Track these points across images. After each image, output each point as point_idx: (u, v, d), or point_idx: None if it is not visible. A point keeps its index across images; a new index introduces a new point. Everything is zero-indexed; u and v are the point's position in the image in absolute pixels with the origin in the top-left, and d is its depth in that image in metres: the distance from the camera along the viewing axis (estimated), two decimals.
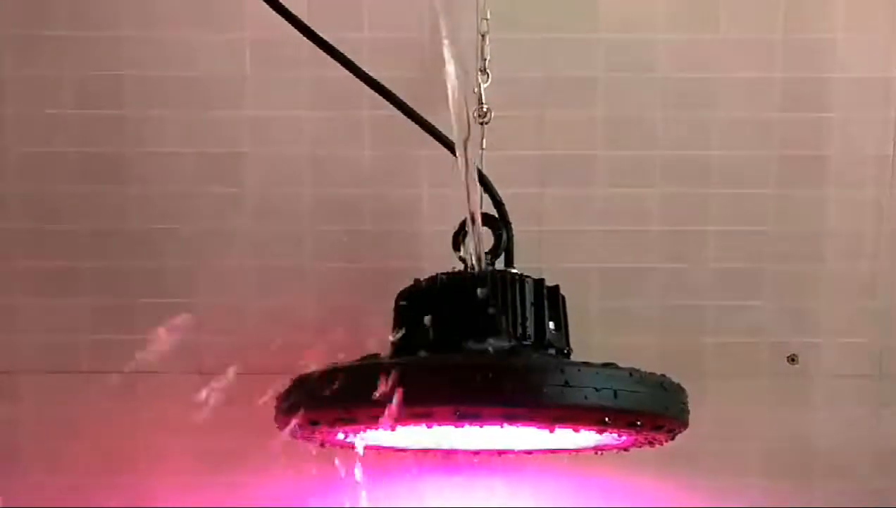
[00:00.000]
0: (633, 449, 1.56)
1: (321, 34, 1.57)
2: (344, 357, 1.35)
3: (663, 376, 1.31)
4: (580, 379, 1.17)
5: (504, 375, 1.17)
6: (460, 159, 1.32)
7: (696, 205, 1.85)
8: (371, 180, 1.81)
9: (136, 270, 1.83)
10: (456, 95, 1.29)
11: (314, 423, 1.26)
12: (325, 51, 1.55)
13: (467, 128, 1.32)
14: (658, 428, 1.31)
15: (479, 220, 1.39)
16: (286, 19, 1.53)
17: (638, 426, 1.26)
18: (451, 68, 1.28)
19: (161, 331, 1.81)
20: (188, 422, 1.81)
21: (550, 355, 1.37)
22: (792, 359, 1.84)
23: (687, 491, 1.84)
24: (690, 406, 1.49)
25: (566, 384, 1.16)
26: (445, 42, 1.29)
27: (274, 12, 1.53)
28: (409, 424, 1.21)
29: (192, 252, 1.83)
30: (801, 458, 1.85)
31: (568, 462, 1.68)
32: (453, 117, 1.33)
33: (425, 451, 1.62)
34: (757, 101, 1.82)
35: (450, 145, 1.59)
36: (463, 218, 1.55)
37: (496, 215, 1.55)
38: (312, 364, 1.34)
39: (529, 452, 1.63)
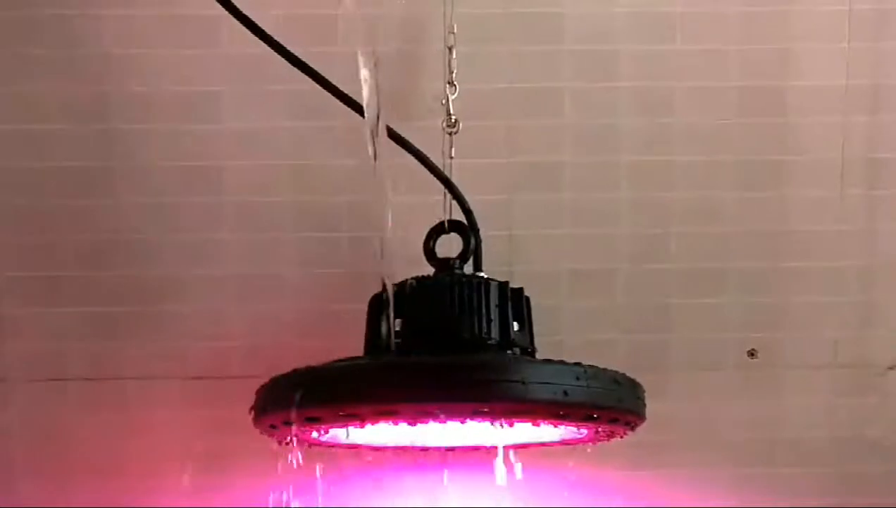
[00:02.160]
0: (599, 443, 1.63)
1: (294, 48, 1.64)
2: (322, 360, 1.42)
3: (616, 372, 1.38)
4: (535, 376, 1.25)
5: (463, 374, 1.24)
6: (370, 142, 1.38)
7: (660, 208, 1.92)
8: (347, 189, 1.88)
9: (121, 279, 1.89)
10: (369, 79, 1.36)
11: (286, 423, 1.33)
12: (296, 66, 1.62)
13: (377, 107, 1.38)
14: (614, 421, 1.38)
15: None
16: (258, 36, 1.60)
17: (594, 418, 1.33)
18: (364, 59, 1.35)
19: (147, 338, 1.88)
20: (176, 427, 1.89)
21: (513, 354, 1.44)
22: (751, 353, 1.92)
23: (655, 483, 1.91)
24: (657, 400, 1.56)
25: (522, 381, 1.23)
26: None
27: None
28: (375, 422, 1.29)
29: (176, 262, 1.89)
30: (765, 447, 1.93)
31: (536, 457, 1.75)
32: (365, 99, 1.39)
33: (400, 448, 1.68)
34: (715, 108, 1.90)
35: (420, 156, 1.67)
36: (434, 224, 1.63)
37: (465, 222, 1.62)
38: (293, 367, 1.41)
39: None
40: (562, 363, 1.32)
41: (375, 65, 1.37)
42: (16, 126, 1.87)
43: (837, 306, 1.92)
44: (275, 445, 1.53)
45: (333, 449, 1.63)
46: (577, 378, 1.28)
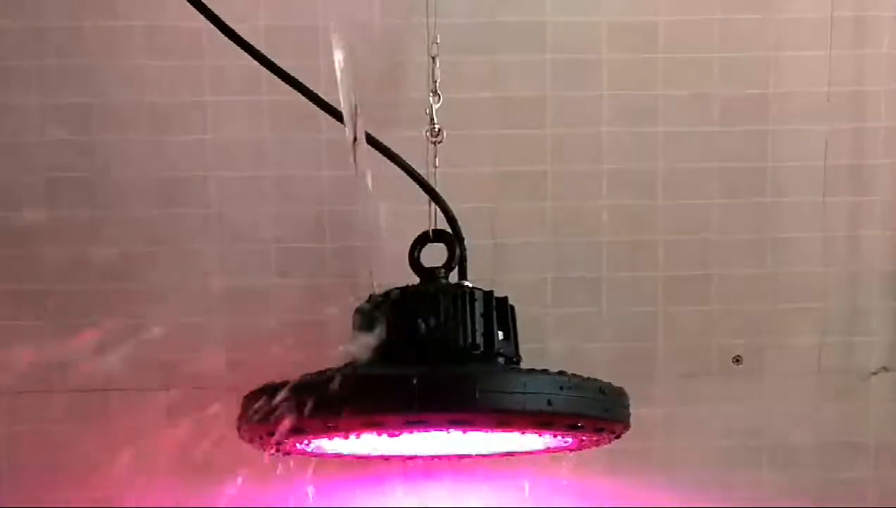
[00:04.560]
0: (585, 450, 1.64)
1: (277, 60, 1.65)
2: (306, 371, 1.42)
3: (601, 381, 1.38)
4: (519, 386, 1.25)
5: (447, 384, 1.24)
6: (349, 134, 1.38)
7: (644, 216, 1.93)
8: (330, 199, 1.88)
9: (104, 290, 1.89)
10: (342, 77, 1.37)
11: (270, 434, 1.33)
12: (279, 77, 1.62)
13: (354, 106, 1.39)
14: (599, 430, 1.38)
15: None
16: (242, 48, 1.61)
17: (579, 427, 1.33)
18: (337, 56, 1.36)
19: (130, 350, 1.88)
20: (158, 436, 1.88)
21: (499, 363, 1.44)
22: (737, 360, 1.93)
23: (641, 488, 1.91)
24: (643, 406, 1.57)
25: (506, 390, 1.23)
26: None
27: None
28: (361, 433, 1.29)
29: (160, 273, 1.89)
30: (750, 452, 1.93)
31: (522, 463, 1.76)
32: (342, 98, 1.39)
33: (386, 458, 1.68)
34: (699, 116, 1.91)
35: (404, 165, 1.67)
36: (418, 233, 1.63)
37: (449, 231, 1.62)
38: (277, 379, 1.41)
39: (486, 456, 1.70)
40: (546, 372, 1.32)
41: (351, 70, 1.37)
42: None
43: (821, 313, 1.93)
44: (261, 455, 1.53)
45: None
46: (562, 388, 1.28)
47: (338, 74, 1.43)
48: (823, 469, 1.93)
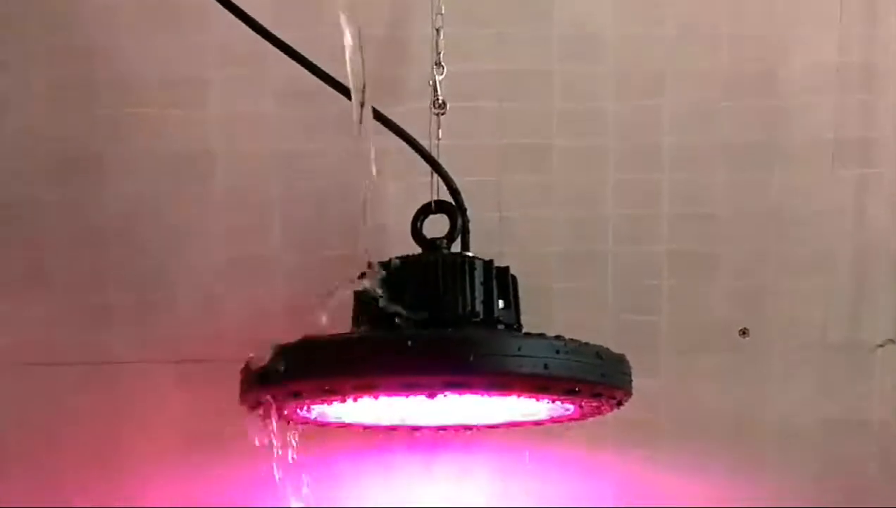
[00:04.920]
0: (591, 423, 1.64)
1: (285, 33, 1.66)
2: None
3: (600, 346, 1.38)
4: (515, 349, 1.26)
5: (442, 346, 1.25)
6: (355, 111, 1.39)
7: (650, 190, 1.93)
8: (335, 173, 1.89)
9: (112, 265, 1.90)
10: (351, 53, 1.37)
11: (271, 397, 1.34)
12: (283, 51, 1.63)
13: (362, 78, 1.39)
14: (597, 395, 1.39)
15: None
16: (245, 22, 1.62)
17: (576, 392, 1.33)
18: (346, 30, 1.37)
19: (139, 323, 1.90)
20: (167, 410, 1.90)
21: (498, 330, 1.45)
22: (743, 332, 1.93)
23: (644, 462, 1.91)
24: (647, 380, 1.57)
25: (501, 353, 1.24)
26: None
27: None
28: (357, 396, 1.30)
29: (167, 247, 1.90)
30: (754, 426, 1.93)
31: (529, 436, 1.76)
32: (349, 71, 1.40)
33: (391, 428, 1.69)
34: (705, 89, 1.90)
35: (407, 137, 1.68)
36: (422, 204, 1.64)
37: (452, 202, 1.63)
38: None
39: (492, 426, 1.71)
40: (542, 336, 1.33)
41: (360, 42, 1.38)
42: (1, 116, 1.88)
43: (827, 286, 1.92)
44: (268, 426, 1.54)
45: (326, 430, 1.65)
46: (558, 352, 1.28)
47: (347, 51, 1.43)
48: (828, 443, 1.92)
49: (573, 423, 1.63)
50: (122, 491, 1.89)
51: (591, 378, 1.33)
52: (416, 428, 1.71)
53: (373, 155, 1.44)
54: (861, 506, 1.90)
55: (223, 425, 1.83)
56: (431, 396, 1.31)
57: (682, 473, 1.91)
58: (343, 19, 1.41)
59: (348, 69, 1.43)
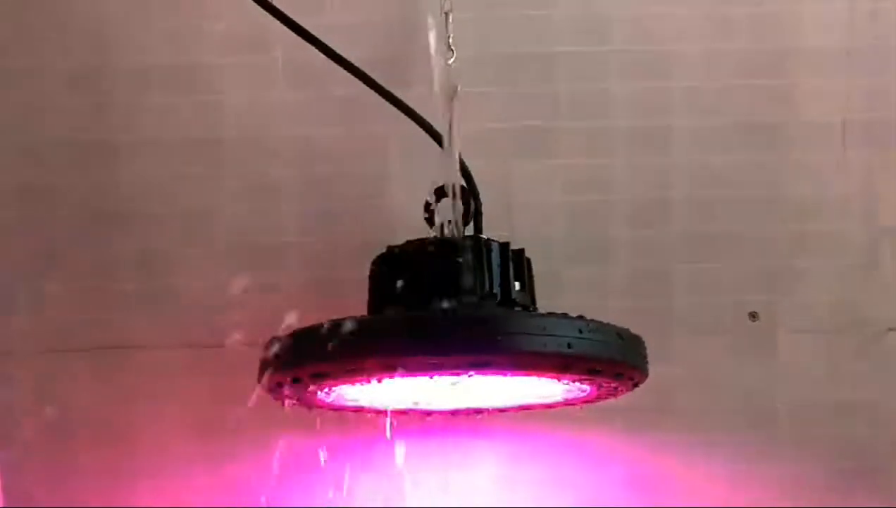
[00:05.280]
0: (602, 405, 1.64)
1: (295, 18, 1.65)
2: None
3: (619, 327, 1.38)
4: (538, 329, 1.25)
5: (465, 325, 1.25)
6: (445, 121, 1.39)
7: (659, 172, 1.93)
8: (346, 157, 1.88)
9: (124, 250, 1.90)
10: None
11: (296, 381, 1.33)
12: (298, 34, 1.63)
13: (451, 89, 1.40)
14: (618, 376, 1.39)
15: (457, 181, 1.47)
16: (260, 5, 1.61)
17: (598, 371, 1.33)
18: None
19: (150, 308, 1.89)
20: (179, 395, 1.89)
21: (518, 311, 1.45)
22: (753, 315, 1.93)
23: (655, 446, 1.91)
24: (658, 363, 1.57)
25: (526, 332, 1.24)
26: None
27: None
28: (382, 377, 1.29)
29: (178, 232, 1.90)
30: (765, 409, 1.93)
31: (538, 420, 1.76)
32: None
33: (404, 411, 1.69)
34: (715, 70, 1.90)
35: (420, 121, 1.68)
36: (432, 187, 1.63)
37: (464, 186, 1.63)
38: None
39: (503, 410, 1.71)
40: (565, 316, 1.32)
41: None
42: (14, 100, 1.87)
43: (838, 269, 1.92)
44: (280, 411, 1.54)
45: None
46: (581, 332, 1.28)
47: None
48: (838, 425, 1.92)
49: (585, 406, 1.63)
50: (135, 476, 1.88)
51: (612, 358, 1.33)
52: (428, 413, 1.71)
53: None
54: (873, 488, 1.90)
55: (235, 410, 1.83)
56: (457, 375, 1.31)
57: (692, 457, 1.91)
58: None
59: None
